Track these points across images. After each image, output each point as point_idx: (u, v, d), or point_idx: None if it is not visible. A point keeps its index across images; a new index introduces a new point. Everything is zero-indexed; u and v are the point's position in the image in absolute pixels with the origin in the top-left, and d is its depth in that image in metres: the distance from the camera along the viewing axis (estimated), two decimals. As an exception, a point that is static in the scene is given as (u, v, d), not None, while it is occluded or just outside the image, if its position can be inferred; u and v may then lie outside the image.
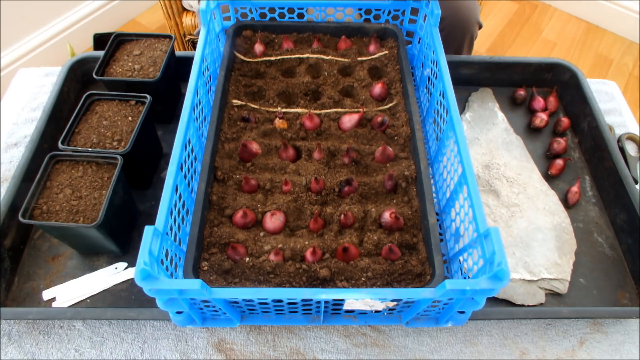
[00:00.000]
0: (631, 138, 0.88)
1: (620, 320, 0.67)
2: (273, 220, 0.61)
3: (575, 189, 0.76)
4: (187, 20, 1.78)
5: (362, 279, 0.56)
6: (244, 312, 0.60)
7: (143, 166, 0.74)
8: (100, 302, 0.65)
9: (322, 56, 0.78)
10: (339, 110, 0.73)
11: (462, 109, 0.89)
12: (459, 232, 0.61)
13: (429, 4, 0.76)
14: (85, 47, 2.00)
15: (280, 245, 0.58)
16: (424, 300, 0.52)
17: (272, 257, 0.57)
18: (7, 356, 0.61)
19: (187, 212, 0.61)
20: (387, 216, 0.61)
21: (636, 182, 0.80)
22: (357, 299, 0.50)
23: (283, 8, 0.80)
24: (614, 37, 2.24)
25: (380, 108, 0.73)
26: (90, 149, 0.66)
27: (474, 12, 1.10)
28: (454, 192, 0.63)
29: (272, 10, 0.80)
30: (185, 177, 0.60)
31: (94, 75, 0.75)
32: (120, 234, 0.67)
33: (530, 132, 0.87)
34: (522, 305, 0.66)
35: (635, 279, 0.69)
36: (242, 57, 0.77)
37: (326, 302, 0.54)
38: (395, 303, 0.52)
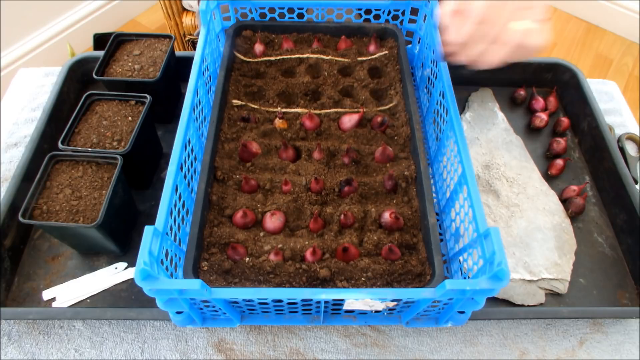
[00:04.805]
0: (631, 138, 0.88)
1: (620, 320, 0.67)
2: (273, 220, 0.61)
3: (580, 200, 0.75)
4: (187, 20, 1.78)
5: (362, 279, 0.56)
6: (244, 312, 0.60)
7: (143, 166, 0.74)
8: (100, 302, 0.65)
9: (322, 56, 0.78)
10: (339, 110, 0.73)
11: (462, 109, 0.89)
12: (459, 232, 0.61)
13: (429, 4, 0.76)
14: (85, 47, 2.00)
15: (280, 245, 0.58)
16: (424, 300, 0.52)
17: (272, 257, 0.57)
18: (7, 356, 0.61)
19: (187, 212, 0.61)
20: (387, 216, 0.61)
21: (636, 182, 0.79)
22: (357, 299, 0.50)
23: (283, 8, 0.79)
24: (614, 37, 2.23)
25: (380, 108, 0.73)
26: (90, 149, 0.66)
27: None
28: (454, 192, 0.63)
29: (272, 10, 0.80)
30: (185, 177, 0.60)
31: (94, 75, 0.75)
32: (120, 234, 0.67)
33: (530, 132, 0.87)
34: (522, 305, 0.66)
35: (635, 279, 0.69)
36: (242, 57, 0.77)
37: (326, 302, 0.54)
38: (395, 303, 0.52)
